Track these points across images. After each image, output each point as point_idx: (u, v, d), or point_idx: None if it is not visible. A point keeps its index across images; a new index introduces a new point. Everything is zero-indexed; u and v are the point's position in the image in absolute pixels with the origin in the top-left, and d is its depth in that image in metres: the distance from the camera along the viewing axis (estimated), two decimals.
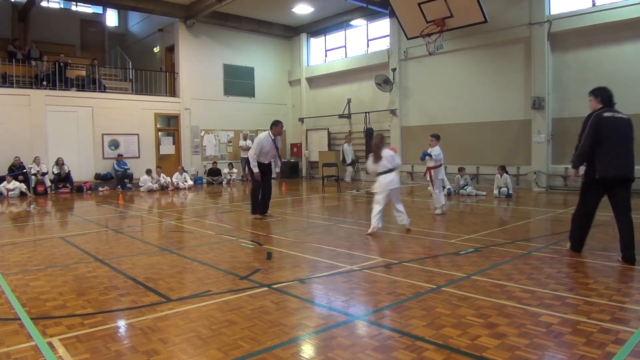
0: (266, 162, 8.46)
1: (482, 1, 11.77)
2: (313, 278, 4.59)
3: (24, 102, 14.11)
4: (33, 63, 15.51)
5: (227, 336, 3.14)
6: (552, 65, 12.81)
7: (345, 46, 18.76)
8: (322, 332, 3.21)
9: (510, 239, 6.31)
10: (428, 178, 8.81)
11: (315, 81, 19.85)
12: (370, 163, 6.95)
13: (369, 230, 6.74)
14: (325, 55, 19.59)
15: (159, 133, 17.09)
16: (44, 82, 14.91)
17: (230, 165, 17.70)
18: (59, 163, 14.18)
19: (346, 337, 3.12)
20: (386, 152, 6.87)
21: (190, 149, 17.62)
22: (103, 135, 15.54)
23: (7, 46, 15.82)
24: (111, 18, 21.26)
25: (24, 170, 13.53)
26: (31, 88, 14.57)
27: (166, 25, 17.83)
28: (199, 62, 17.64)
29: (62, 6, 19.91)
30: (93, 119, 15.33)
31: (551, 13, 12.69)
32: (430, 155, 8.64)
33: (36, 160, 13.73)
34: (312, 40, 20.06)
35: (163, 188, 15.02)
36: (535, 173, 12.94)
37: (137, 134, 16.26)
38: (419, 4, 12.45)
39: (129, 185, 15.33)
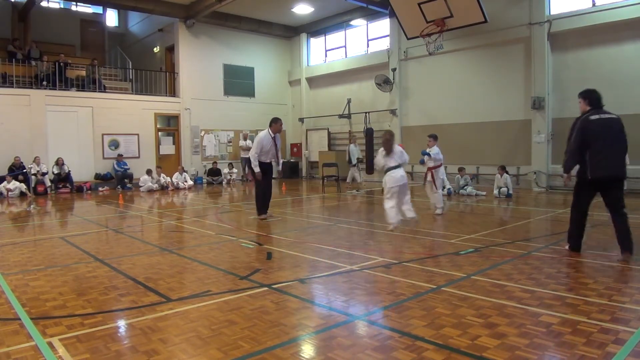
0: (267, 161, 8.43)
1: (482, 1, 11.77)
2: (313, 278, 4.59)
3: (24, 102, 14.12)
4: (33, 63, 15.52)
5: (227, 336, 3.14)
6: (552, 65, 12.81)
7: (345, 46, 18.76)
8: (322, 332, 3.21)
9: (510, 239, 6.31)
10: (429, 178, 8.81)
11: (315, 81, 19.84)
12: (380, 158, 7.10)
13: (390, 227, 6.92)
14: (325, 55, 19.59)
15: (159, 133, 17.10)
16: (44, 82, 14.91)
17: (230, 165, 17.70)
18: (59, 163, 14.18)
19: (346, 337, 3.12)
20: (396, 148, 7.07)
21: (190, 149, 17.62)
22: (103, 135, 15.54)
23: (7, 46, 15.82)
24: (111, 18, 21.26)
25: (24, 170, 13.53)
26: (31, 88, 14.57)
27: (166, 25, 17.83)
28: (199, 62, 17.64)
29: (62, 6, 19.90)
30: (93, 119, 15.33)
31: (551, 13, 12.69)
32: (429, 155, 8.66)
33: (36, 160, 13.73)
34: (312, 40, 20.06)
35: (163, 188, 15.03)
36: (535, 173, 12.95)
37: (137, 134, 16.26)
38: (419, 4, 12.45)
39: (129, 185, 15.33)
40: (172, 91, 17.43)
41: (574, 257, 5.21)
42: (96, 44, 19.93)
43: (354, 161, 14.22)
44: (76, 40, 19.45)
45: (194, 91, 17.55)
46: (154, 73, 17.89)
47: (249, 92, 19.19)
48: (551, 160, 12.83)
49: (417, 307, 3.66)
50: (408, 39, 13.98)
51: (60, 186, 14.14)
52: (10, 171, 13.36)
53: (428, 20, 12.66)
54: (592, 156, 4.99)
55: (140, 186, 14.74)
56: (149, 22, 18.98)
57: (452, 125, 14.85)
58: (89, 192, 14.51)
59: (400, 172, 6.95)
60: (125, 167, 15.46)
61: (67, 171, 14.30)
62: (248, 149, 11.85)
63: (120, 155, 15.53)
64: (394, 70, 16.28)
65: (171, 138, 17.56)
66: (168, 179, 15.22)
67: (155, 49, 19.08)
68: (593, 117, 5.08)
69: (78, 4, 19.17)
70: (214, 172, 17.29)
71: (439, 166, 8.80)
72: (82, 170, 14.99)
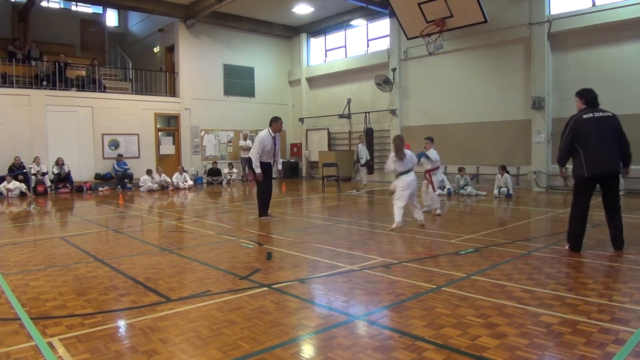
0: (268, 160, 8.42)
1: (482, 1, 11.77)
2: (313, 278, 4.59)
3: (24, 102, 14.12)
4: (33, 63, 15.52)
5: (227, 336, 3.14)
6: (552, 65, 12.81)
7: (345, 46, 18.76)
8: (322, 332, 3.21)
9: (510, 239, 6.31)
10: (426, 182, 8.83)
11: (315, 81, 19.84)
12: (390, 163, 7.25)
13: (393, 226, 6.99)
14: (325, 55, 19.59)
15: (159, 133, 17.10)
16: (44, 82, 14.91)
17: (230, 165, 17.70)
18: (59, 163, 14.18)
19: (346, 337, 3.12)
20: (407, 152, 7.25)
21: (190, 149, 17.62)
22: (103, 135, 15.54)
23: (7, 46, 15.82)
24: (111, 18, 21.27)
25: (24, 170, 13.53)
26: (31, 88, 14.58)
27: (166, 25, 17.83)
28: (199, 62, 17.64)
29: (62, 6, 19.91)
30: (93, 119, 15.33)
31: (551, 13, 12.69)
32: (427, 156, 8.64)
33: (36, 160, 13.73)
34: (312, 40, 20.06)
35: (163, 188, 15.03)
36: (535, 173, 12.95)
37: (137, 134, 16.26)
38: (419, 4, 12.45)
39: (129, 185, 15.33)
40: (172, 91, 17.43)
41: (574, 257, 5.21)
42: (96, 44, 19.94)
43: (363, 161, 14.18)
44: (76, 40, 19.46)
45: (194, 91, 17.55)
46: (154, 73, 17.89)
47: (249, 92, 19.19)
48: (551, 160, 12.81)
49: (417, 307, 3.66)
50: (408, 39, 13.99)
51: (60, 186, 14.14)
52: (10, 171, 13.36)
53: (428, 20, 12.67)
54: (587, 154, 5.07)
55: (140, 186, 14.74)
56: (149, 22, 18.99)
57: (452, 125, 14.85)
58: (89, 192, 14.51)
59: (411, 176, 7.18)
60: (125, 167, 15.46)
61: (67, 171, 14.30)
62: (248, 149, 11.84)
63: (120, 155, 15.53)
64: (394, 70, 16.28)
65: (171, 138, 17.56)
66: (168, 179, 15.22)
67: (155, 49, 19.09)
68: (586, 115, 5.17)
69: (78, 4, 19.18)
70: (214, 172, 17.29)
71: (437, 168, 8.84)
72: (82, 170, 14.99)
